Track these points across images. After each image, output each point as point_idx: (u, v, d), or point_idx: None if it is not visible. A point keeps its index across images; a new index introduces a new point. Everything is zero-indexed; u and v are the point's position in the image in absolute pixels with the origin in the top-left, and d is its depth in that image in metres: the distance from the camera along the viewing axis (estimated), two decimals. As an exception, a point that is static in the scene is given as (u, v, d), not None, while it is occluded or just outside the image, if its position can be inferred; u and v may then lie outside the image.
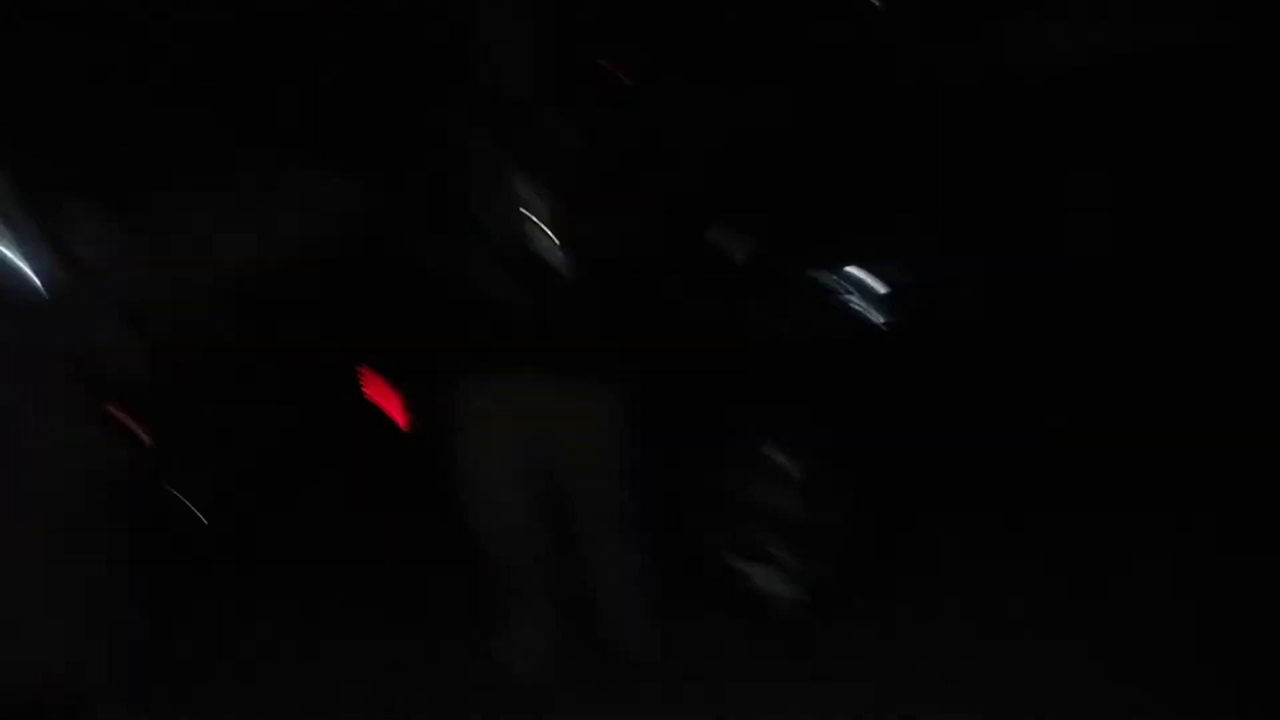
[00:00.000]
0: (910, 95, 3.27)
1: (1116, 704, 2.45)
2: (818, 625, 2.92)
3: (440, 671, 2.86)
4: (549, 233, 2.25)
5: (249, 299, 3.25)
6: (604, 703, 2.68)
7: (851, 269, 2.91)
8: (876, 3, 3.64)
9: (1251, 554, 2.89)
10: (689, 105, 3.31)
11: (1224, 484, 2.97)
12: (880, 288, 2.91)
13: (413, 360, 2.84)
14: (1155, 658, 2.58)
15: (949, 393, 2.91)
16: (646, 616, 2.72)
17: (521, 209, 2.26)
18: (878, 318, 2.89)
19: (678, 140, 2.89)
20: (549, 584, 2.66)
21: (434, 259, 2.38)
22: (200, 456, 3.14)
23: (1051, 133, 3.09)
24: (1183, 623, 2.71)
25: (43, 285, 1.56)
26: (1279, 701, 2.40)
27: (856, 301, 2.91)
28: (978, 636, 2.78)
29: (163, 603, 2.49)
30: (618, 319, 2.43)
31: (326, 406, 3.14)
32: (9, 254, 1.57)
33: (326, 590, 3.24)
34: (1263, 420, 2.92)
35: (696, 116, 3.30)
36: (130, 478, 1.93)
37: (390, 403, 2.88)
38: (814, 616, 2.94)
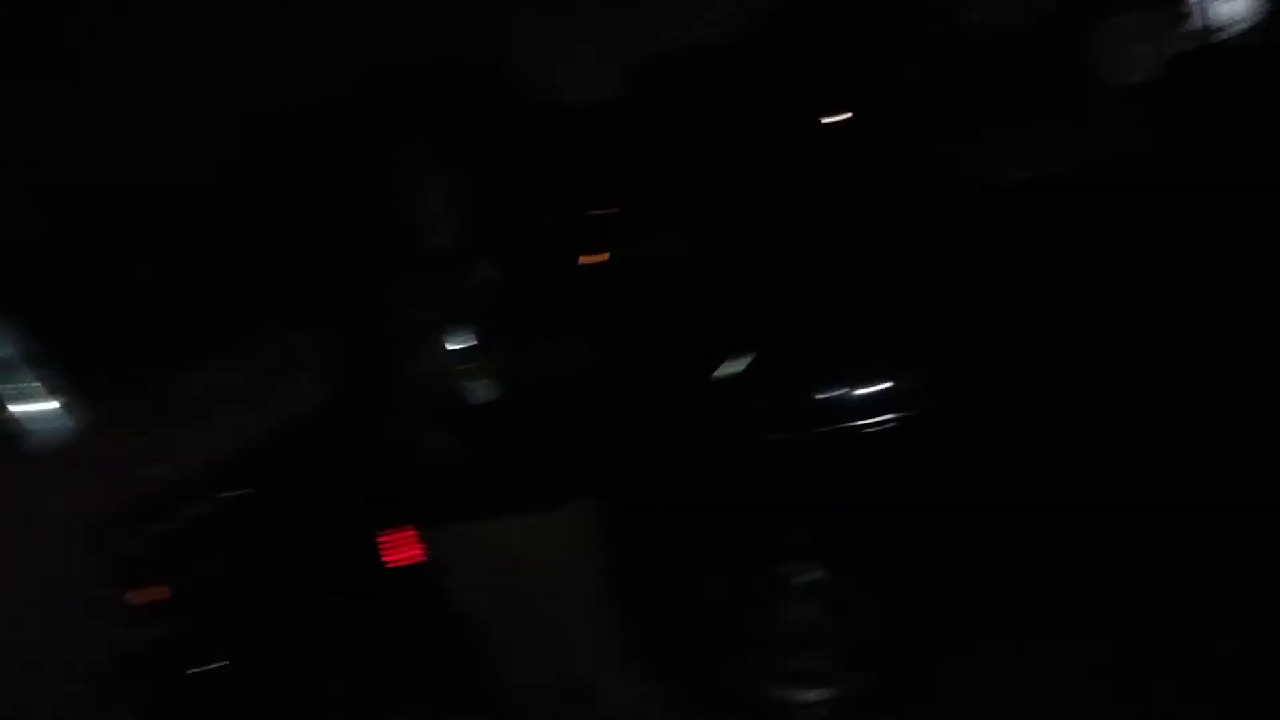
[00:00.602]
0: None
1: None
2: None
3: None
4: (477, 372, 2.30)
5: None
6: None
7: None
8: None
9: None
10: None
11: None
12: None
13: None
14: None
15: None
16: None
17: (448, 353, 2.31)
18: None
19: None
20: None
21: (374, 418, 2.46)
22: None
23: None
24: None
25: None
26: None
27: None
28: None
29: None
30: (554, 448, 2.46)
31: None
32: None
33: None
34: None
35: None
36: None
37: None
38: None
